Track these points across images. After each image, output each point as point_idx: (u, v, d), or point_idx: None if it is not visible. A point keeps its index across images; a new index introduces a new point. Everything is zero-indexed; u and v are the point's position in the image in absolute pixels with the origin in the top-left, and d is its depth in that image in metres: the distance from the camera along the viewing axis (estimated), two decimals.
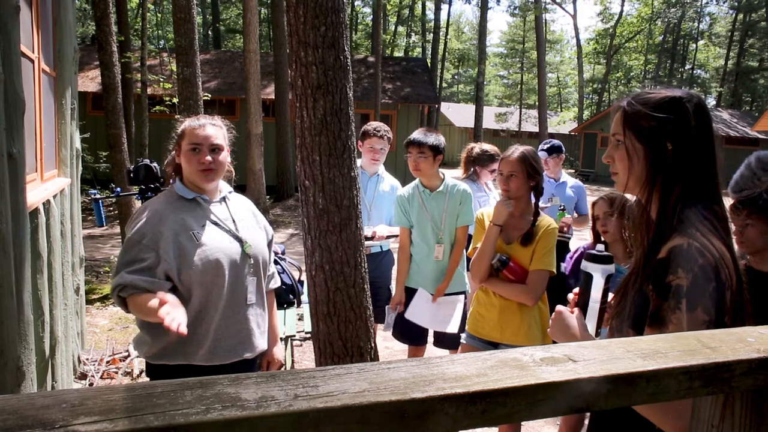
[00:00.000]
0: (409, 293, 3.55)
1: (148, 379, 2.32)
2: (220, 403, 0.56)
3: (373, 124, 3.86)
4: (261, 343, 2.26)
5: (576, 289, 1.60)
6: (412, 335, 3.60)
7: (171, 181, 2.28)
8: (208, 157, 2.11)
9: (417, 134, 3.44)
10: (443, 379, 0.65)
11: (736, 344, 0.81)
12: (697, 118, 1.26)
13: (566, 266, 3.26)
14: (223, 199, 2.24)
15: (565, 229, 4.15)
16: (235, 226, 2.20)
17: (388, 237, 3.83)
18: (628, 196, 1.46)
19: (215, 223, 2.15)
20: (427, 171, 3.42)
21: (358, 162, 3.31)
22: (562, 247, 3.26)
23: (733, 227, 2.27)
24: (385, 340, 5.19)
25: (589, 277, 1.50)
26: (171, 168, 2.23)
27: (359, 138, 3.83)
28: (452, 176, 3.67)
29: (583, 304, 1.50)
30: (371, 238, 3.66)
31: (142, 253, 2.00)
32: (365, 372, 0.65)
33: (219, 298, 2.09)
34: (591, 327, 1.46)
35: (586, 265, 1.51)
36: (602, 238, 3.03)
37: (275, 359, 2.42)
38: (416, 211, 3.48)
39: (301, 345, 5.02)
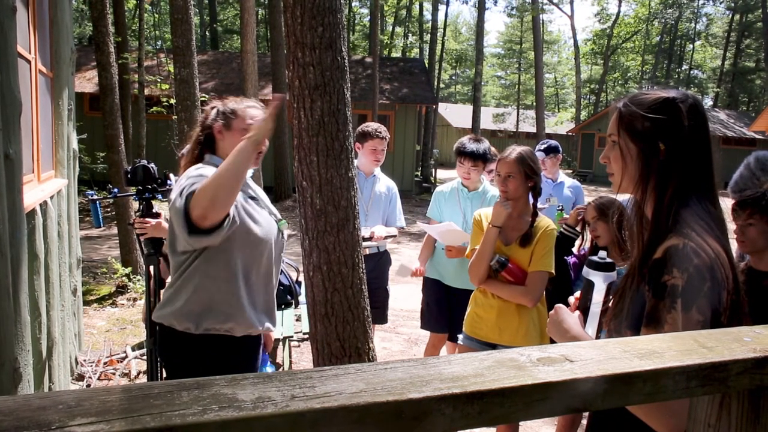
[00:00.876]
0: (429, 283, 3.76)
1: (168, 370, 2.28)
2: (217, 403, 0.56)
3: (372, 126, 3.87)
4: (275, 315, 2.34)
5: (577, 293, 1.60)
6: (436, 324, 3.74)
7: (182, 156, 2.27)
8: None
9: (470, 145, 3.54)
10: (440, 380, 0.65)
11: (732, 344, 0.81)
12: (690, 118, 1.27)
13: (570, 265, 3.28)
14: None
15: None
16: (266, 203, 2.27)
17: (386, 237, 3.84)
18: (619, 197, 1.47)
19: (254, 198, 2.20)
20: (476, 179, 3.63)
21: (355, 162, 3.31)
22: (569, 242, 3.26)
23: (733, 226, 2.27)
24: (383, 341, 5.19)
25: (590, 284, 1.50)
26: (198, 142, 2.20)
27: (357, 139, 3.83)
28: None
29: (584, 309, 1.50)
30: (369, 239, 3.68)
31: None
32: (362, 372, 0.65)
33: (260, 267, 2.15)
34: (592, 331, 1.46)
35: (588, 272, 1.51)
36: (597, 243, 3.04)
37: (271, 337, 2.54)
38: (450, 205, 3.69)
39: (299, 346, 5.02)
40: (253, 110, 2.19)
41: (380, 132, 3.83)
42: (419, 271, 3.79)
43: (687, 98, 1.29)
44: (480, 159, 3.53)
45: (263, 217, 2.17)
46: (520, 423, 3.35)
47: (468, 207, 3.61)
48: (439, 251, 3.69)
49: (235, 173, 1.84)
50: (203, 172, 2.00)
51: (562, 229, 3.22)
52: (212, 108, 2.24)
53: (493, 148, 4.17)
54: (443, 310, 3.68)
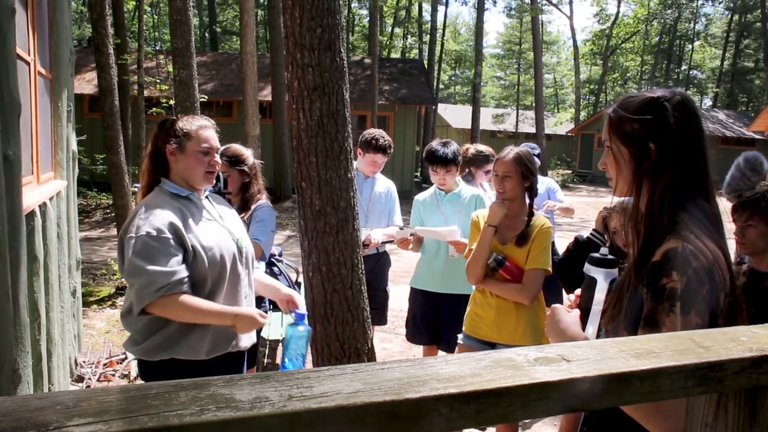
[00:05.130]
0: (415, 294, 3.69)
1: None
2: (215, 404, 0.56)
3: (379, 140, 3.75)
4: (252, 335, 2.32)
5: (577, 291, 1.59)
6: (422, 337, 3.69)
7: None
8: (218, 159, 2.17)
9: (440, 150, 3.51)
10: (437, 380, 0.65)
11: (728, 343, 0.81)
12: (678, 115, 1.26)
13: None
14: (206, 197, 2.26)
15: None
16: (224, 222, 2.22)
17: (384, 243, 3.83)
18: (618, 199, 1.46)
19: (210, 220, 2.16)
20: (451, 182, 3.61)
21: (354, 164, 3.31)
22: (596, 249, 3.12)
23: (733, 227, 2.27)
24: (382, 342, 5.19)
25: (591, 281, 1.49)
26: (152, 163, 2.16)
27: (360, 146, 3.80)
28: None
29: (584, 307, 1.50)
30: (366, 245, 3.65)
31: (164, 246, 1.96)
32: (359, 372, 0.65)
33: (221, 292, 2.11)
34: (593, 330, 1.46)
35: (589, 269, 1.50)
36: (626, 251, 2.89)
37: (293, 297, 2.38)
38: (430, 212, 3.63)
39: None
40: (206, 131, 2.14)
41: (385, 148, 3.76)
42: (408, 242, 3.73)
43: (674, 96, 1.29)
44: (451, 163, 3.51)
45: (215, 240, 2.11)
46: (520, 423, 3.35)
47: (448, 210, 3.58)
48: (425, 259, 3.64)
49: (202, 320, 2.03)
50: (156, 222, 1.98)
51: (590, 235, 3.12)
52: (161, 126, 2.17)
53: (490, 149, 4.18)
54: (429, 322, 3.61)
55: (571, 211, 4.68)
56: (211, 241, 2.08)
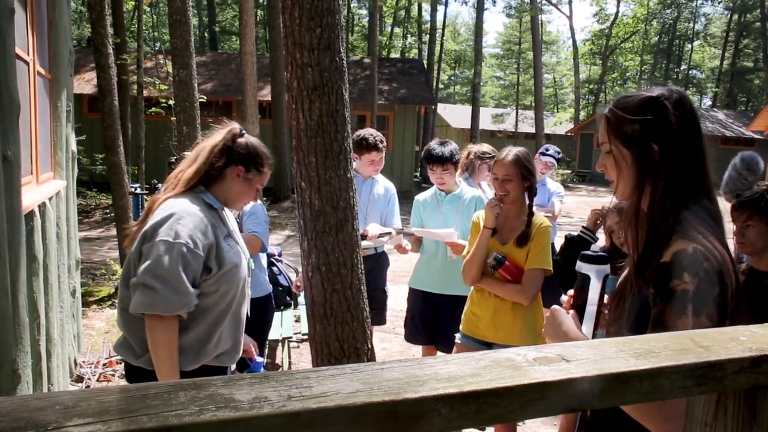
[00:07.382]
0: (414, 295, 3.70)
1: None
2: (214, 404, 0.56)
3: (369, 138, 3.76)
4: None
5: (571, 291, 1.59)
6: (420, 337, 3.69)
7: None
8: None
9: (437, 149, 3.52)
10: (436, 380, 0.65)
11: (728, 343, 0.81)
12: (678, 113, 1.25)
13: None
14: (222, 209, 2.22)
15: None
16: (236, 239, 2.20)
17: (381, 236, 3.83)
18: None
19: (229, 236, 2.13)
20: (450, 182, 3.60)
21: (354, 165, 3.30)
22: (587, 247, 3.13)
23: (732, 227, 2.27)
24: (382, 342, 5.19)
25: (584, 279, 1.49)
26: (204, 170, 2.04)
27: (354, 150, 3.78)
28: None
29: (579, 306, 1.50)
30: (364, 237, 3.66)
31: (195, 263, 1.91)
32: (359, 372, 0.65)
33: (230, 308, 2.08)
34: (588, 329, 1.45)
35: (581, 266, 1.50)
36: (624, 250, 2.90)
37: (248, 344, 2.43)
38: (430, 212, 3.63)
39: (298, 347, 5.02)
40: (270, 170, 2.17)
41: (377, 144, 3.77)
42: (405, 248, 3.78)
43: (672, 94, 1.27)
44: (449, 162, 3.50)
45: (236, 258, 2.07)
46: (520, 423, 3.35)
47: (449, 210, 3.58)
48: (423, 260, 3.65)
49: (156, 356, 1.91)
50: (195, 235, 1.91)
51: (580, 233, 3.12)
52: (235, 136, 2.08)
53: (492, 148, 4.18)
54: (427, 322, 3.61)
55: (554, 217, 4.71)
56: (233, 259, 2.05)
